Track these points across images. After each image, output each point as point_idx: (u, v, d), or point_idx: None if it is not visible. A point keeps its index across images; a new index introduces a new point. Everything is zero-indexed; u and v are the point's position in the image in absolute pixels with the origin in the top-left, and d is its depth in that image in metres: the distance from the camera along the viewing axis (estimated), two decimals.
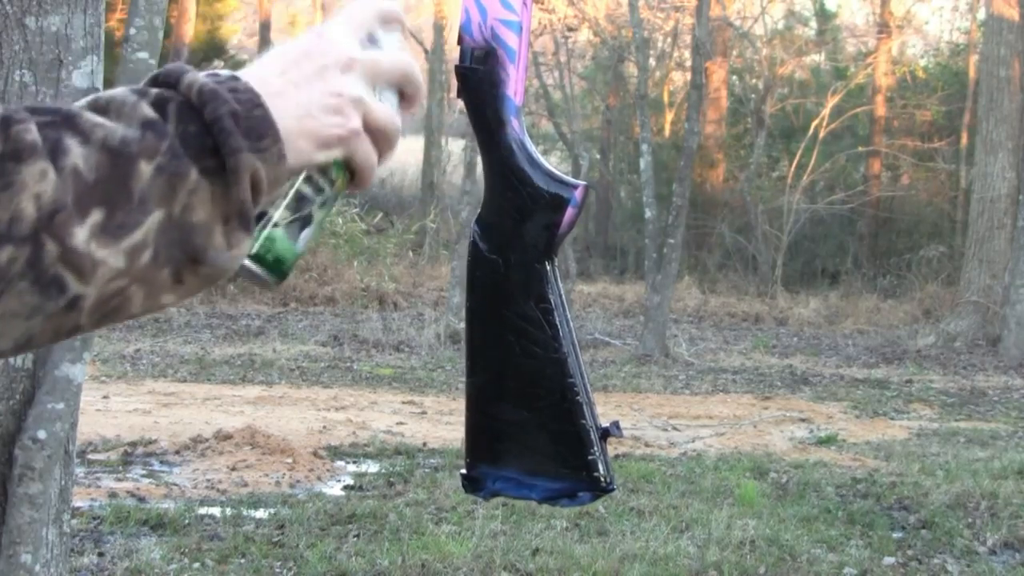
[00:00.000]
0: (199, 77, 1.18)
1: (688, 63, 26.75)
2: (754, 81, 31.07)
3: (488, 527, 7.99)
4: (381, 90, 1.31)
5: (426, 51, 30.11)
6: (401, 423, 12.07)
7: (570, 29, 26.73)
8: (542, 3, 23.28)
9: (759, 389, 15.30)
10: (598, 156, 31.28)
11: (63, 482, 4.01)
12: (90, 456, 9.93)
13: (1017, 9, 20.17)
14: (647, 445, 11.40)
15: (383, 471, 9.95)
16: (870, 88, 29.60)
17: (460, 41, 2.24)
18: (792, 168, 27.49)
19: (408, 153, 38.13)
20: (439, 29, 27.38)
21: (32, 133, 1.11)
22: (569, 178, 2.19)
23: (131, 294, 1.14)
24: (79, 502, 8.20)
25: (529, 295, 2.26)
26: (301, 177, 1.28)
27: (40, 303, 1.10)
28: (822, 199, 28.59)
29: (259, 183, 1.18)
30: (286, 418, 11.97)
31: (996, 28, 20.73)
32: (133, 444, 10.39)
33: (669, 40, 29.96)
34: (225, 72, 1.21)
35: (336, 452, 10.58)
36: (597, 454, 2.29)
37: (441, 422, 12.18)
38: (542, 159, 2.32)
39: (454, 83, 2.07)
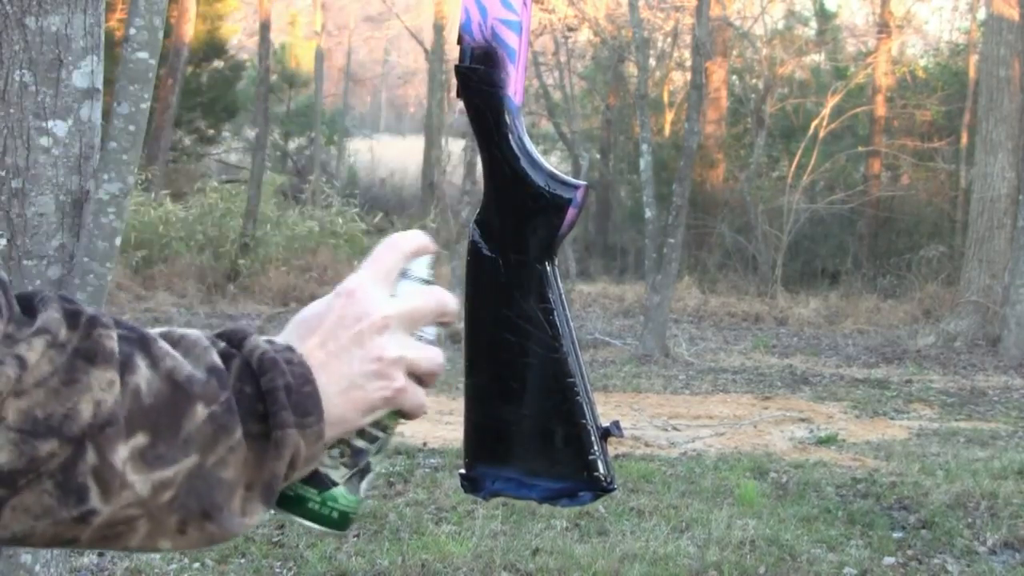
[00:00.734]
0: (261, 343, 1.19)
1: (688, 63, 26.76)
2: (754, 81, 31.07)
3: (488, 527, 7.99)
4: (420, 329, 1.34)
5: (426, 51, 30.10)
6: (401, 423, 12.06)
7: (570, 29, 26.75)
8: (542, 3, 23.28)
9: (759, 389, 15.30)
10: (598, 156, 31.28)
11: None
12: None
13: (1017, 9, 20.17)
14: (647, 445, 11.40)
15: (383, 471, 9.95)
16: (870, 88, 29.60)
17: (460, 41, 2.24)
18: (792, 168, 27.49)
19: (408, 153, 38.16)
20: (439, 29, 27.37)
21: (113, 341, 1.11)
22: (569, 178, 2.18)
23: (137, 527, 1.14)
24: None
25: (529, 295, 2.26)
26: (354, 432, 1.29)
27: (56, 507, 1.10)
28: (822, 199, 28.59)
29: (297, 459, 1.19)
30: None
31: (996, 28, 20.73)
32: None
33: (669, 40, 29.97)
34: (281, 341, 1.22)
35: None
36: (598, 454, 2.28)
37: (441, 422, 12.18)
38: (542, 159, 2.32)
39: (454, 83, 2.07)
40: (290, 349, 1.21)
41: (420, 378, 1.30)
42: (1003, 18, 20.43)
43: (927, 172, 29.12)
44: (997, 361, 18.32)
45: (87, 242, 3.89)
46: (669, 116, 29.79)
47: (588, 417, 2.28)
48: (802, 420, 13.25)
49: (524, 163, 2.25)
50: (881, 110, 29.16)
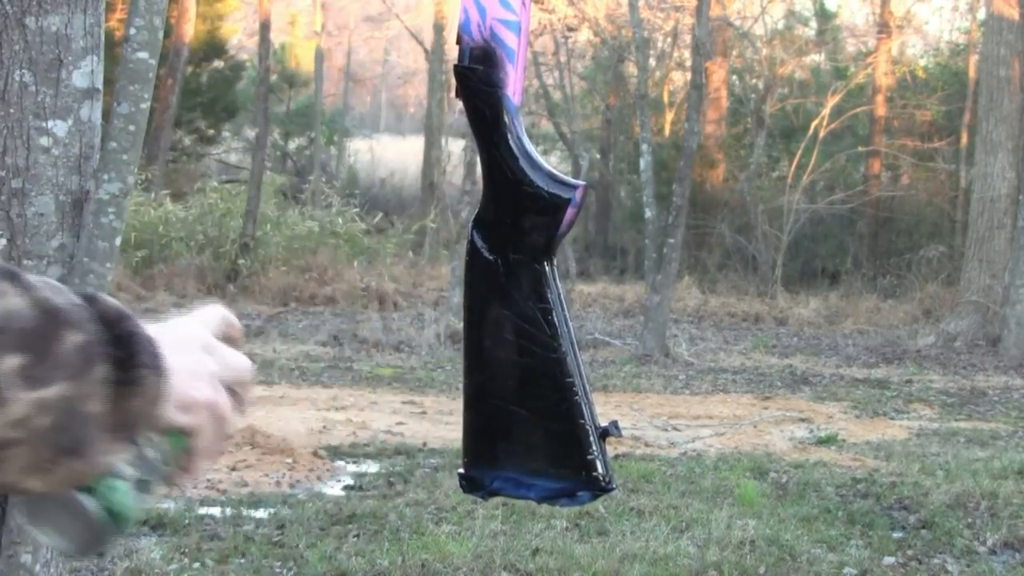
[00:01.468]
0: (111, 299, 1.25)
1: (688, 63, 26.76)
2: (754, 81, 31.07)
3: (488, 527, 7.99)
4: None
5: (426, 51, 30.10)
6: (401, 423, 12.08)
7: (570, 29, 26.75)
8: (542, 3, 23.29)
9: (759, 389, 15.30)
10: (598, 156, 31.29)
11: None
12: None
13: (1017, 9, 20.17)
14: (647, 445, 11.40)
15: (383, 471, 9.95)
16: (870, 88, 29.60)
17: (459, 41, 2.24)
18: (792, 168, 27.49)
19: (408, 153, 38.16)
20: (439, 29, 27.37)
21: None
22: (568, 178, 2.19)
23: (15, 455, 1.15)
24: None
25: (528, 295, 2.26)
26: (150, 438, 1.31)
27: None
28: (822, 199, 28.60)
29: (147, 408, 1.22)
30: (286, 418, 11.97)
31: (996, 28, 20.73)
32: None
33: (669, 40, 29.97)
34: None
35: (336, 452, 10.58)
36: (596, 454, 2.29)
37: (441, 422, 12.19)
38: (541, 159, 2.33)
39: (454, 83, 2.07)
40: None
41: (216, 425, 1.33)
42: (1003, 18, 20.43)
43: (927, 172, 29.12)
44: (997, 361, 18.32)
45: (87, 242, 3.89)
46: (669, 116, 29.80)
47: (587, 417, 2.28)
48: (802, 420, 13.26)
49: (523, 163, 2.25)
50: (881, 110, 29.16)
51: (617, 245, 30.70)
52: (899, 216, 29.16)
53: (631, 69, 27.92)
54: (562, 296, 2.17)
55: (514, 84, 2.22)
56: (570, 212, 2.17)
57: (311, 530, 7.90)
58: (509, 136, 2.24)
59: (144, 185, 24.01)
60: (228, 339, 1.42)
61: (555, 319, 2.20)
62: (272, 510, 8.44)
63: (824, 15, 32.89)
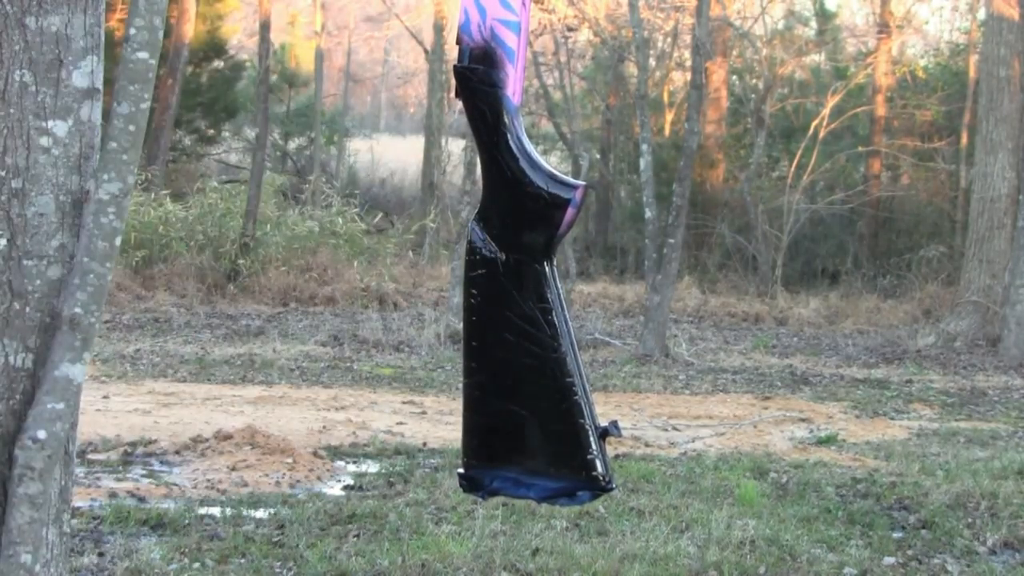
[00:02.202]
0: None
1: (688, 63, 26.75)
2: (754, 81, 31.06)
3: (488, 527, 7.99)
4: None
5: (426, 51, 30.09)
6: (401, 423, 12.08)
7: (570, 29, 26.73)
8: (542, 3, 23.28)
9: (759, 389, 15.30)
10: (598, 156, 31.28)
11: (63, 482, 4.02)
12: (90, 456, 9.94)
13: (1017, 9, 20.16)
14: (647, 445, 11.40)
15: (383, 471, 9.96)
16: (870, 88, 29.59)
17: (459, 41, 2.24)
18: (792, 168, 27.49)
19: (408, 153, 38.16)
20: (439, 29, 27.36)
21: None
22: (569, 178, 2.19)
23: None
24: (79, 502, 8.21)
25: (528, 295, 2.26)
26: None
27: None
28: (822, 199, 28.59)
29: None
30: (286, 418, 11.97)
31: (996, 28, 20.72)
32: (133, 444, 10.39)
33: (669, 40, 29.96)
34: None
35: (336, 452, 10.58)
36: (596, 453, 2.29)
37: (441, 422, 12.19)
38: (541, 159, 2.33)
39: (454, 83, 2.08)
40: None
41: None
42: (1003, 18, 20.43)
43: (927, 172, 29.11)
44: (997, 361, 18.32)
45: (87, 242, 3.89)
46: (669, 116, 29.79)
47: (587, 417, 2.29)
48: (802, 420, 13.26)
49: (523, 163, 2.25)
50: (881, 110, 29.15)
51: (617, 245, 30.69)
52: (899, 216, 29.16)
53: (631, 69, 27.92)
54: (562, 296, 2.18)
55: (514, 84, 2.22)
56: (570, 212, 2.18)
57: (311, 530, 7.91)
58: (509, 136, 2.24)
59: (144, 185, 24.01)
60: None
61: (555, 319, 2.21)
62: (272, 510, 8.44)
63: (824, 15, 32.88)
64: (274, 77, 30.31)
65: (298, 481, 9.48)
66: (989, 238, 20.43)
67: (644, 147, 18.82)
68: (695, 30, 18.76)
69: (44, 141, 3.92)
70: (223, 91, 31.92)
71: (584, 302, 23.47)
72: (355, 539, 7.76)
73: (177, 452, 10.22)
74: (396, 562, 7.20)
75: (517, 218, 2.24)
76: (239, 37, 36.42)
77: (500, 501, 8.16)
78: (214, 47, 31.65)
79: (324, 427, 11.59)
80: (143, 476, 9.56)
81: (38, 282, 3.93)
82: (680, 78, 30.70)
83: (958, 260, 23.69)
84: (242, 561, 7.25)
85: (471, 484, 2.55)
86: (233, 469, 9.65)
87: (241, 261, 22.30)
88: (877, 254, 28.20)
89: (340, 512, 8.34)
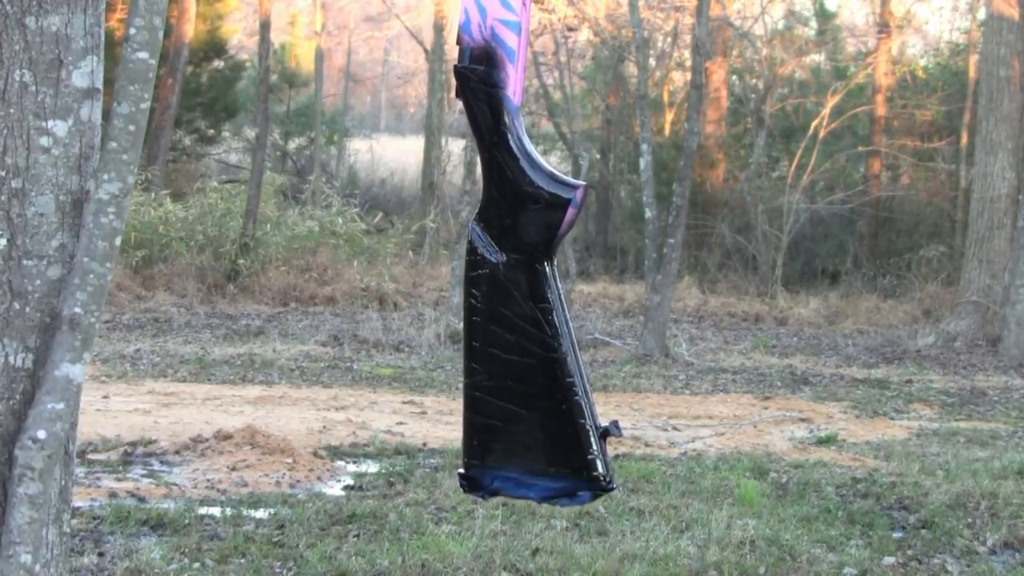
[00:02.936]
0: None
1: (688, 63, 26.76)
2: (754, 81, 31.06)
3: (488, 527, 7.99)
4: None
5: (426, 51, 30.09)
6: (401, 423, 12.08)
7: (570, 29, 26.72)
8: (542, 3, 23.29)
9: (759, 389, 15.30)
10: (598, 156, 31.28)
11: (63, 482, 4.02)
12: (90, 456, 9.94)
13: (1017, 9, 20.16)
14: (647, 445, 11.40)
15: (383, 471, 9.96)
16: (870, 88, 29.59)
17: (459, 41, 2.24)
18: (792, 168, 27.48)
19: (408, 153, 38.17)
20: (439, 29, 27.37)
21: None
22: (569, 178, 2.19)
23: None
24: (79, 502, 8.21)
25: (528, 295, 2.26)
26: None
27: None
28: (822, 199, 28.60)
29: None
30: (286, 418, 11.97)
31: (996, 28, 20.72)
32: (133, 444, 10.39)
33: (669, 40, 29.95)
34: None
35: (336, 452, 10.58)
36: (596, 453, 2.29)
37: (441, 422, 12.19)
38: (542, 159, 2.33)
39: (454, 83, 2.07)
40: None
41: None
42: (1003, 17, 20.43)
43: (927, 172, 29.11)
44: (997, 361, 18.32)
45: (87, 242, 3.89)
46: (669, 116, 29.78)
47: (587, 417, 2.28)
48: (802, 420, 13.26)
49: (524, 163, 2.25)
50: (881, 110, 29.15)
51: (617, 245, 30.69)
52: (899, 216, 29.15)
53: (631, 69, 27.92)
54: (562, 296, 2.17)
55: (514, 84, 2.22)
56: (570, 212, 2.18)
57: (311, 530, 7.90)
58: (510, 136, 2.24)
59: (144, 185, 24.01)
60: None
61: (555, 319, 2.21)
62: (272, 510, 8.44)
63: (824, 15, 32.88)
64: (274, 77, 30.31)
65: (298, 481, 9.48)
66: (989, 238, 20.43)
67: (644, 147, 18.82)
68: (695, 30, 18.76)
69: (44, 141, 3.92)
70: (223, 91, 31.92)
71: (584, 302, 23.48)
72: (355, 539, 7.76)
73: (177, 452, 10.22)
74: (396, 562, 7.20)
75: (517, 218, 2.24)
76: (239, 37, 36.43)
77: (500, 501, 8.16)
78: (214, 47, 31.64)
79: (324, 427, 11.60)
80: (143, 476, 9.56)
81: (38, 282, 3.93)
82: (680, 78, 30.70)
83: (958, 260, 23.69)
84: (242, 561, 7.25)
85: (472, 484, 2.54)
86: (233, 469, 9.65)
87: (241, 261, 22.31)
88: (877, 254, 28.20)
89: (340, 512, 8.33)
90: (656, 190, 19.39)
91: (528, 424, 2.42)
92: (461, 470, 3.12)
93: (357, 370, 15.48)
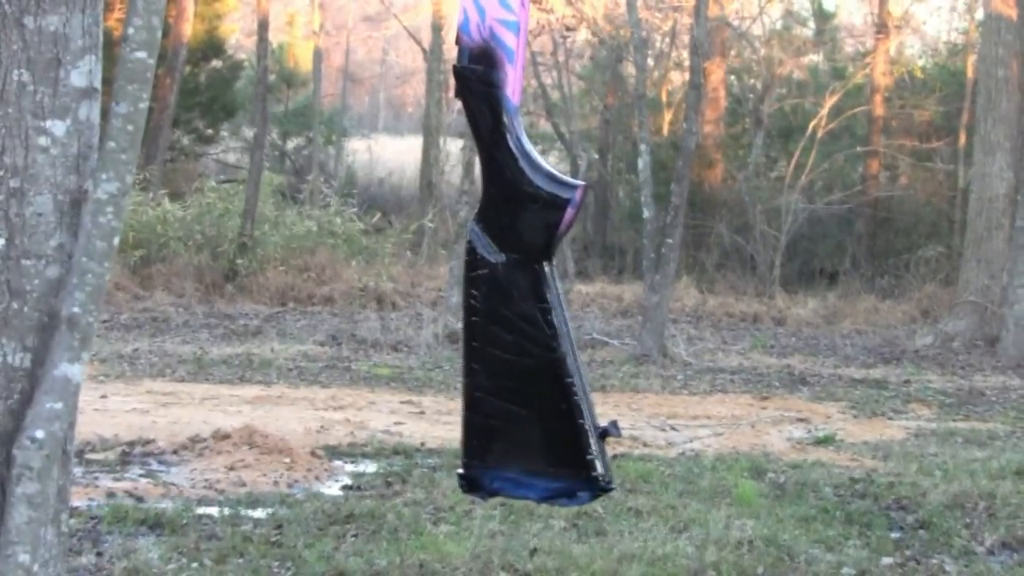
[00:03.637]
0: None
1: (686, 63, 26.75)
2: (752, 81, 31.06)
3: (486, 527, 7.99)
4: None
5: (424, 51, 30.07)
6: (399, 423, 12.07)
7: (568, 29, 26.73)
8: (540, 3, 23.29)
9: (757, 389, 15.30)
10: (596, 156, 31.27)
11: (61, 482, 4.01)
12: (88, 456, 9.93)
13: (1015, 9, 20.16)
14: (645, 445, 11.40)
15: (381, 471, 9.95)
16: (868, 88, 29.58)
17: (458, 41, 2.24)
18: (790, 168, 27.47)
19: (406, 153, 38.14)
20: (437, 29, 27.35)
21: None
22: (568, 178, 2.18)
23: None
24: (77, 502, 8.21)
25: (527, 295, 2.26)
26: None
27: None
28: (820, 199, 28.60)
29: None
30: (284, 418, 11.97)
31: (994, 28, 20.72)
32: (131, 444, 10.39)
33: (667, 40, 29.95)
34: None
35: (334, 452, 10.58)
36: (595, 454, 2.29)
37: (439, 422, 12.18)
38: (541, 159, 2.32)
39: (453, 83, 2.07)
40: None
41: None
42: (1001, 17, 20.43)
43: (925, 172, 29.12)
44: (995, 361, 18.32)
45: (85, 242, 3.89)
46: (667, 116, 29.77)
47: (586, 417, 2.28)
48: (800, 420, 13.26)
49: (523, 163, 2.24)
50: (879, 110, 29.14)
51: (615, 245, 30.67)
52: (897, 216, 29.16)
53: (629, 69, 27.90)
54: (561, 296, 2.17)
55: (513, 84, 2.22)
56: (569, 212, 2.17)
57: (309, 530, 7.90)
58: (508, 136, 2.23)
59: (142, 185, 23.98)
60: None
61: (555, 319, 2.20)
62: (270, 510, 8.44)
63: (822, 15, 32.87)
64: (272, 76, 30.30)
65: (296, 481, 9.48)
66: (987, 238, 20.43)
67: (642, 147, 18.81)
68: (693, 30, 18.76)
69: (42, 141, 3.92)
70: (221, 91, 31.90)
71: (582, 302, 23.47)
72: (353, 539, 7.76)
73: (175, 452, 10.21)
74: (394, 562, 7.20)
75: (516, 218, 2.23)
76: (237, 36, 36.41)
77: (498, 501, 8.16)
78: (212, 46, 31.63)
79: (322, 427, 11.59)
80: (141, 476, 9.55)
81: (36, 282, 3.93)
82: (678, 78, 30.69)
83: (956, 260, 23.68)
84: (240, 561, 7.25)
85: (471, 484, 2.53)
86: (231, 469, 9.64)
87: (239, 261, 22.30)
88: (875, 254, 28.21)
89: (338, 512, 8.33)
90: (654, 190, 19.38)
91: (527, 424, 2.42)
92: (460, 470, 3.11)
93: (355, 370, 15.47)
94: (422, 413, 12.75)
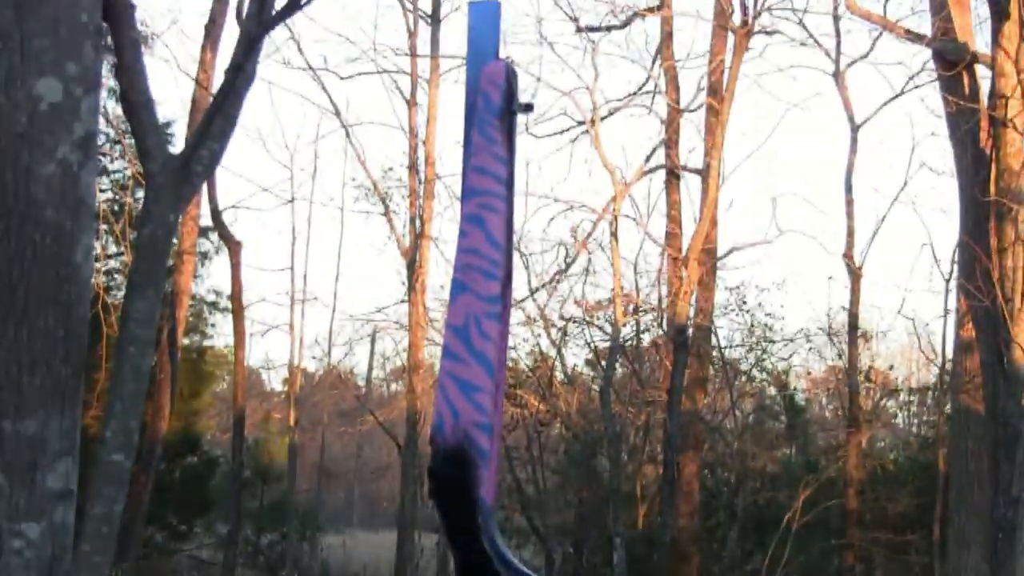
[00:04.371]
0: None
1: (660, 456, 26.92)
2: (726, 474, 31.16)
3: None
4: None
5: (399, 446, 30.18)
6: None
7: (542, 424, 26.97)
8: (515, 399, 23.60)
9: None
10: (571, 550, 31.05)
11: None
12: None
13: (983, 403, 20.40)
14: None
15: None
16: (842, 481, 29.69)
17: (432, 442, 2.28)
18: (766, 562, 27.28)
19: (381, 547, 37.85)
20: (412, 423, 27.56)
21: None
22: None
23: None
24: None
25: None
26: None
27: None
28: None
29: None
30: None
31: (963, 422, 20.92)
32: None
33: (641, 434, 30.18)
34: None
35: None
36: None
37: None
38: (515, 559, 2.34)
39: (427, 481, 2.09)
40: None
41: None
42: (970, 411, 20.65)
43: (901, 564, 28.94)
44: None
45: None
46: (642, 509, 29.71)
47: None
48: None
49: (497, 564, 2.26)
50: (853, 503, 29.17)
51: None
52: None
53: (603, 462, 28.03)
54: None
55: (487, 484, 2.26)
56: None
57: None
58: (482, 537, 2.26)
59: None
60: None
61: None
62: None
63: (794, 409, 33.26)
64: (247, 472, 30.33)
65: None
66: None
67: (617, 540, 18.75)
68: (667, 425, 18.95)
69: (16, 543, 3.91)
70: (196, 487, 31.86)
71: None
72: None
73: None
74: None
75: None
76: (213, 432, 36.63)
77: None
78: (188, 443, 31.76)
79: None
80: None
81: None
82: (652, 471, 30.80)
83: None
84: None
85: None
86: None
87: None
88: None
89: None
90: None
91: None
92: None
93: None
94: None
